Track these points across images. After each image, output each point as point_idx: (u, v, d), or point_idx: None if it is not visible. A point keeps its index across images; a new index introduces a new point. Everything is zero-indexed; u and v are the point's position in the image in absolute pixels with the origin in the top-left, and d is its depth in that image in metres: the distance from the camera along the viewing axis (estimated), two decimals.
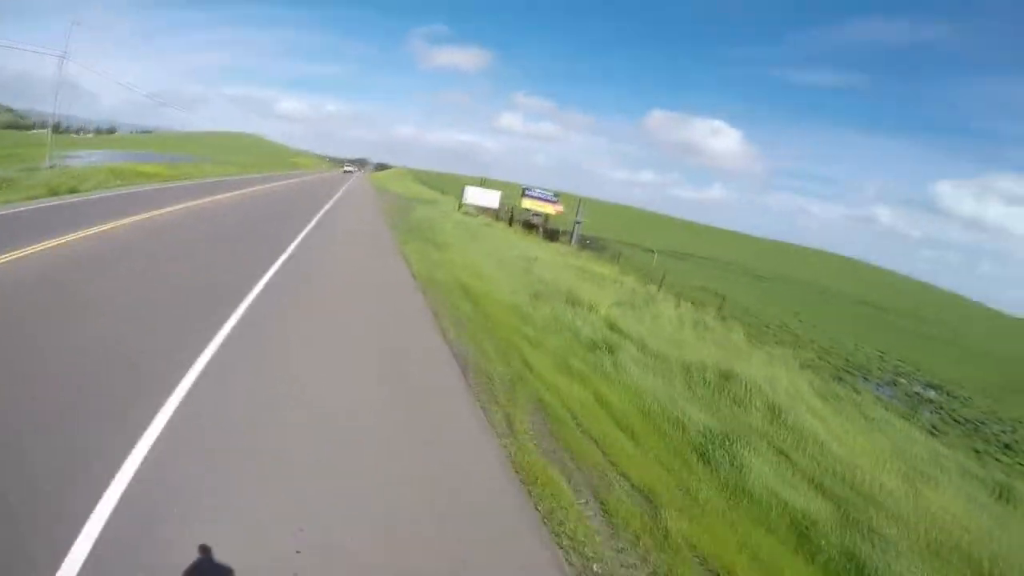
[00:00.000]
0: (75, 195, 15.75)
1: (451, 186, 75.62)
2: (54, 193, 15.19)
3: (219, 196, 21.63)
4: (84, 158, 35.33)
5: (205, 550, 2.84)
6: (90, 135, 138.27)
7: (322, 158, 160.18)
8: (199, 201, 18.64)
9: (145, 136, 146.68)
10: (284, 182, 39.99)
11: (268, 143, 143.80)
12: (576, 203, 30.33)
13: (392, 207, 29.98)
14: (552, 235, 29.88)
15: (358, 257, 14.10)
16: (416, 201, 38.15)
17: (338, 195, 32.97)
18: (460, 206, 37.45)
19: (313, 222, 17.96)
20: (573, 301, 10.88)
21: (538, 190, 31.04)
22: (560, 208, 31.15)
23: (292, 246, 12.54)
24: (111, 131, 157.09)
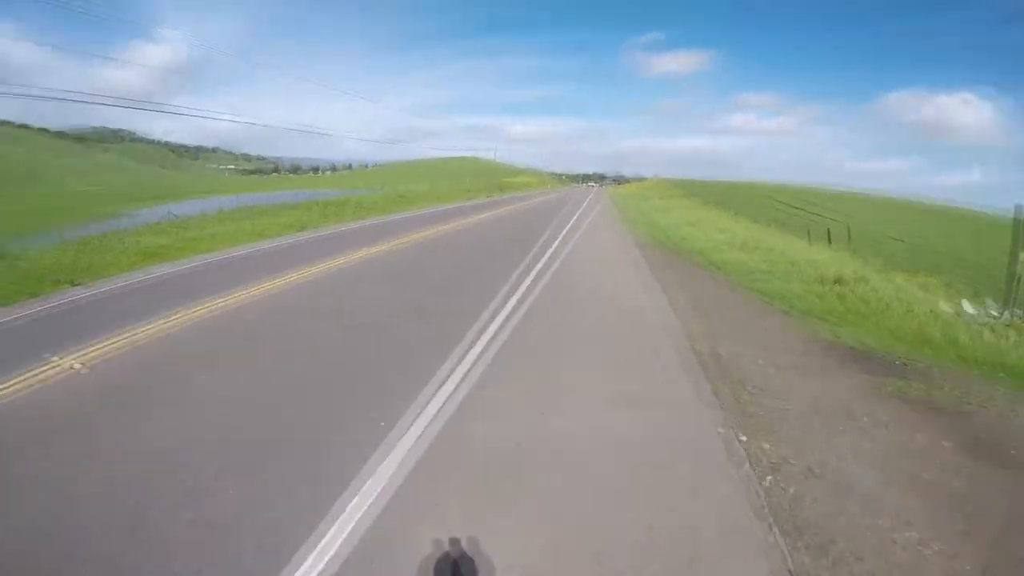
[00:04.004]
0: None
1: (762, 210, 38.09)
2: None
3: None
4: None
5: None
6: (327, 173, 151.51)
7: (550, 175, 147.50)
8: None
9: (373, 169, 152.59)
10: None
11: (487, 164, 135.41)
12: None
13: None
14: None
15: None
16: None
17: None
18: None
19: None
20: None
21: None
22: None
23: None
24: (348, 167, 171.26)
